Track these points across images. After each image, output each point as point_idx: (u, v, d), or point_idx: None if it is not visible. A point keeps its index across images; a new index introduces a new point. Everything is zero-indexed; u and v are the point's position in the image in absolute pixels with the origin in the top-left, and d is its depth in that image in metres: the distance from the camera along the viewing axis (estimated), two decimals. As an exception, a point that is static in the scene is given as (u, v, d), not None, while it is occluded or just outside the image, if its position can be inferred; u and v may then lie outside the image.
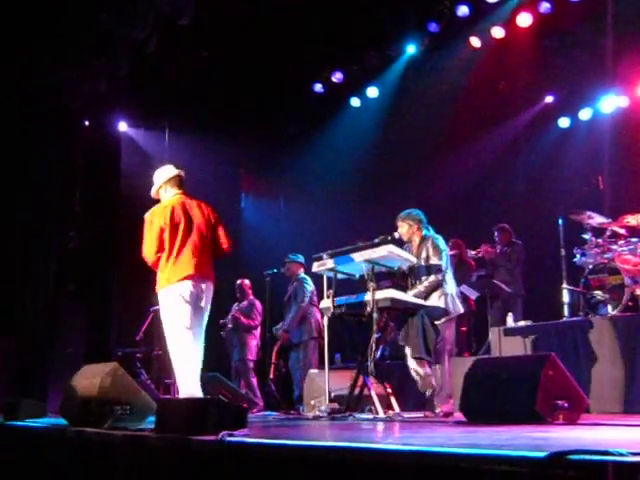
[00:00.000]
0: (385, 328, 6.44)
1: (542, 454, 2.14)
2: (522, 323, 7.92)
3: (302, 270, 9.03)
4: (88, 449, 4.49)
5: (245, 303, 9.99)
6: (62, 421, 5.50)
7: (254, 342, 9.86)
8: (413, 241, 6.72)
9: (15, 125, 10.01)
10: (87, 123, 11.38)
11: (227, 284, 10.14)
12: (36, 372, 9.66)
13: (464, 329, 9.32)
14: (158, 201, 6.21)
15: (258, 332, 9.91)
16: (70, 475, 4.50)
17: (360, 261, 6.21)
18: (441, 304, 6.42)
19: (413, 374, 6.47)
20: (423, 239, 6.64)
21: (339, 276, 6.54)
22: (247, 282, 10.20)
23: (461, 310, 6.72)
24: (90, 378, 5.43)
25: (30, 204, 10.28)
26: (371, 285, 6.07)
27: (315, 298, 8.89)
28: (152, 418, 4.79)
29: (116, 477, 4.06)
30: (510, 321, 8.19)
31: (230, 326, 9.91)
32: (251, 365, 9.76)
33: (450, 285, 6.61)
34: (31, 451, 5.14)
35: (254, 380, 9.67)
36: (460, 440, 3.48)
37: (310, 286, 8.88)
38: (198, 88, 11.12)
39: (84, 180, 11.10)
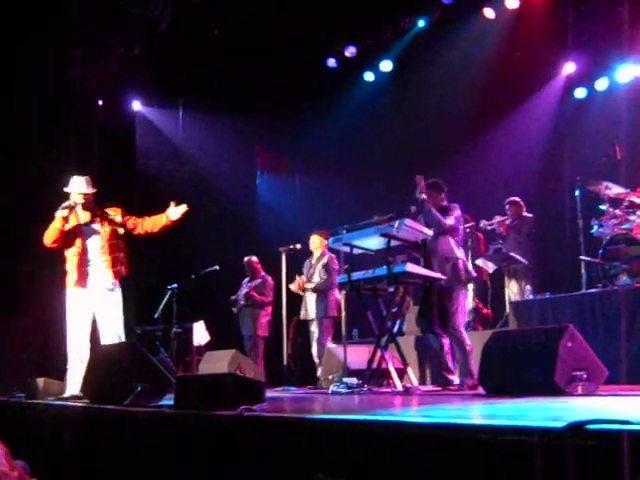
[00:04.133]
0: (402, 302, 6.44)
1: (561, 424, 2.13)
2: (540, 295, 7.88)
3: (322, 246, 9.00)
4: (109, 426, 4.52)
5: (259, 280, 9.97)
6: (83, 399, 5.54)
7: (266, 318, 9.85)
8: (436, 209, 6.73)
9: (30, 106, 10.01)
10: (101, 103, 11.38)
11: (241, 261, 10.17)
12: (55, 351, 9.73)
13: (480, 304, 9.30)
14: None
15: (270, 309, 9.92)
16: (91, 452, 4.54)
17: (376, 235, 6.19)
18: (453, 271, 6.41)
19: (434, 347, 6.47)
20: (441, 208, 6.63)
21: (355, 251, 6.52)
22: (255, 259, 10.15)
23: (474, 274, 6.76)
24: (110, 356, 5.47)
25: (43, 185, 10.30)
26: (388, 259, 6.06)
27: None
28: (171, 395, 4.82)
29: (137, 453, 4.09)
30: (528, 293, 8.16)
31: (242, 303, 9.91)
32: (262, 342, 9.78)
33: (460, 251, 6.60)
34: (51, 429, 5.18)
35: (261, 358, 9.69)
36: (479, 412, 3.48)
37: (335, 264, 8.84)
38: (212, 65, 11.08)
39: (99, 160, 11.12)
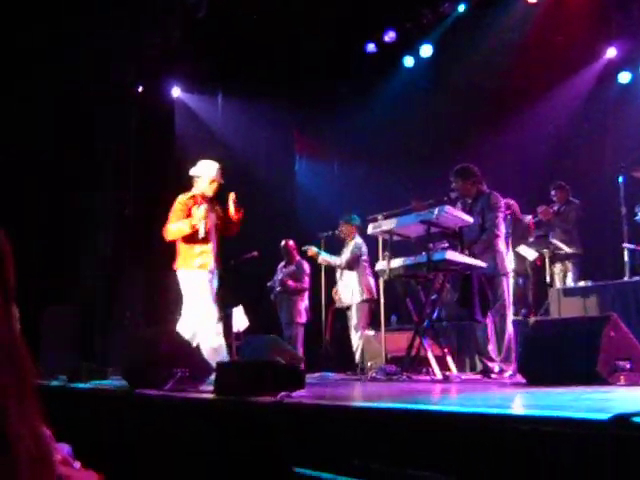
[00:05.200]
0: (441, 289, 6.40)
1: (605, 416, 2.10)
2: (582, 283, 7.80)
3: (357, 233, 8.94)
4: (149, 411, 4.58)
5: (293, 267, 9.94)
6: (124, 383, 5.61)
7: (303, 305, 9.81)
8: (468, 196, 6.68)
9: (72, 94, 10.12)
10: (141, 89, 11.46)
11: (278, 246, 10.17)
12: (97, 336, 9.88)
13: (520, 292, 9.22)
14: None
15: (307, 295, 9.89)
16: (131, 436, 4.60)
17: (416, 222, 6.16)
18: (492, 262, 6.37)
19: (477, 334, 6.45)
20: (479, 194, 6.60)
21: (394, 238, 6.50)
22: (292, 243, 10.09)
23: (510, 269, 6.76)
24: (150, 341, 5.52)
25: (86, 172, 10.43)
26: (427, 246, 6.03)
27: (367, 261, 8.82)
28: (211, 380, 4.86)
29: (176, 438, 4.13)
30: (569, 281, 8.07)
31: (278, 289, 9.91)
32: (301, 329, 9.76)
33: (502, 243, 6.56)
34: (94, 413, 5.26)
35: (301, 344, 9.69)
36: (519, 402, 3.45)
37: (358, 249, 8.80)
38: (251, 51, 11.07)
39: (138, 146, 11.21)
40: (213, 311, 6.42)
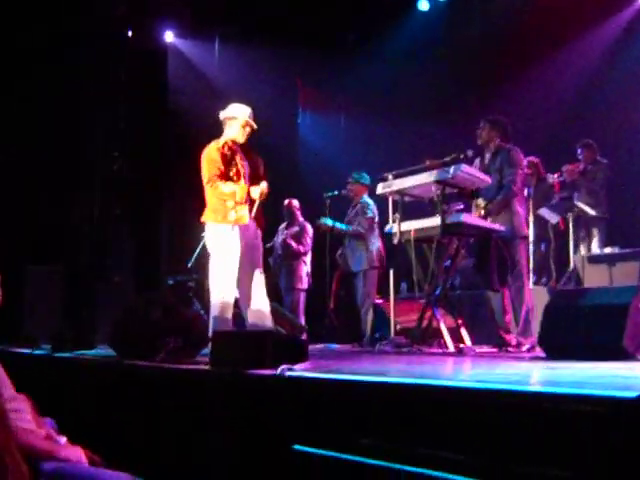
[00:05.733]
0: (456, 255, 6.40)
1: (632, 394, 2.11)
2: (608, 250, 7.79)
3: (366, 192, 8.91)
4: (139, 383, 4.61)
5: (295, 228, 9.88)
6: (112, 353, 5.64)
7: (304, 270, 9.73)
8: (488, 148, 6.68)
9: (57, 37, 10.04)
10: (130, 33, 11.37)
11: (280, 206, 10.14)
12: (83, 301, 9.90)
13: (541, 257, 9.23)
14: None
15: (309, 259, 9.84)
16: (120, 409, 4.64)
17: (429, 182, 6.14)
18: (509, 224, 6.37)
19: (492, 303, 6.48)
20: (499, 148, 6.58)
21: (405, 199, 6.48)
22: (295, 202, 10.01)
23: (526, 232, 6.78)
24: (141, 308, 5.54)
25: (74, 125, 10.38)
26: (441, 208, 6.02)
27: (376, 224, 8.80)
28: (206, 351, 4.89)
29: (169, 412, 4.17)
30: (595, 247, 8.06)
31: (279, 252, 9.87)
32: (302, 296, 9.75)
33: (520, 204, 6.56)
34: (79, 385, 5.30)
35: (302, 313, 9.69)
36: (540, 378, 3.47)
37: (372, 211, 8.78)
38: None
39: (128, 96, 11.15)
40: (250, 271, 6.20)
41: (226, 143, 6.25)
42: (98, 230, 10.53)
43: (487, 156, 6.71)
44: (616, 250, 7.69)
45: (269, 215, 10.07)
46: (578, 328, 4.63)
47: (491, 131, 6.67)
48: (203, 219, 6.22)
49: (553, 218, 8.90)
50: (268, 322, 6.01)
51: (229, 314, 5.93)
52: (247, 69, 12.38)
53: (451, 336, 6.10)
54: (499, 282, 6.31)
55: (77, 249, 10.43)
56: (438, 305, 6.28)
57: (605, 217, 9.01)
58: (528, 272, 6.58)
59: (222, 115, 6.43)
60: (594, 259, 7.72)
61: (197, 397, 4.01)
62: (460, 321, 6.45)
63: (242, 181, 6.12)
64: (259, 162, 6.48)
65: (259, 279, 6.20)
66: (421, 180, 6.24)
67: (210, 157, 6.18)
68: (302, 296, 9.71)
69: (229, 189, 6.05)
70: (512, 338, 6.31)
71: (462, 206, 6.62)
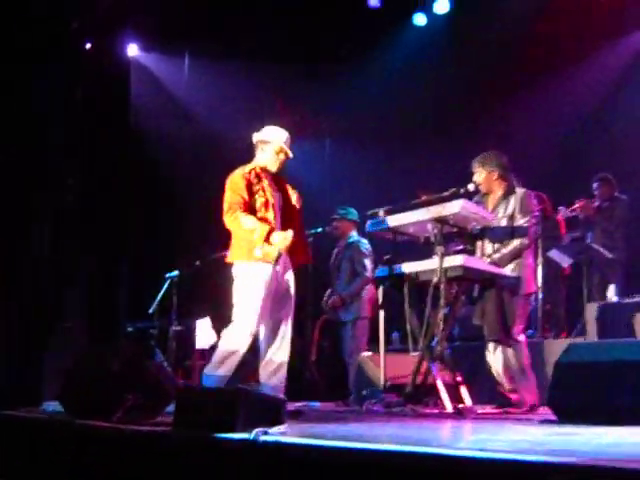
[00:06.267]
0: (455, 302, 6.41)
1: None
2: (628, 298, 7.81)
3: (355, 230, 8.91)
4: (93, 446, 4.55)
5: None
6: (61, 410, 5.58)
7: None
8: (493, 192, 6.68)
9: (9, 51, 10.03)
10: (89, 46, 11.39)
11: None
12: (30, 350, 9.80)
13: (548, 306, 9.24)
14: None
15: None
16: (71, 476, 4.58)
17: (426, 219, 6.16)
18: (517, 279, 6.40)
19: (489, 360, 6.49)
20: (508, 191, 6.58)
21: (398, 238, 6.50)
22: None
23: (534, 288, 6.86)
24: (95, 359, 5.50)
25: (23, 149, 10.33)
26: (439, 249, 6.03)
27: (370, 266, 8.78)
28: (171, 410, 4.85)
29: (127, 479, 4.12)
30: (612, 295, 8.08)
31: None
32: None
33: (531, 254, 6.62)
34: (23, 446, 5.23)
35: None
36: (551, 445, 3.45)
37: (369, 250, 8.77)
38: (226, 3, 11.04)
39: (85, 116, 11.14)
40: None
41: (254, 169, 6.25)
42: (48, 268, 10.45)
43: (491, 199, 6.70)
44: (637, 299, 7.70)
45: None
46: (594, 387, 4.63)
47: (489, 175, 6.65)
48: (228, 259, 6.20)
49: (564, 261, 8.94)
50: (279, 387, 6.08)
51: (230, 370, 5.94)
52: (221, 88, 12.44)
53: (449, 394, 6.08)
54: (504, 333, 6.31)
55: (24, 288, 10.34)
56: (434, 359, 6.26)
57: (622, 261, 9.05)
58: (526, 327, 6.64)
59: (255, 138, 6.40)
60: (611, 308, 7.74)
61: (158, 464, 3.97)
62: (459, 377, 6.43)
63: (270, 213, 6.08)
64: (295, 196, 6.46)
65: (283, 334, 6.22)
66: (416, 217, 6.26)
67: (233, 184, 6.15)
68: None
69: (249, 224, 5.96)
70: (518, 397, 6.32)
71: (461, 247, 6.63)
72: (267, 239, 5.90)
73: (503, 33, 11.11)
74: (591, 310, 8.01)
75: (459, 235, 6.55)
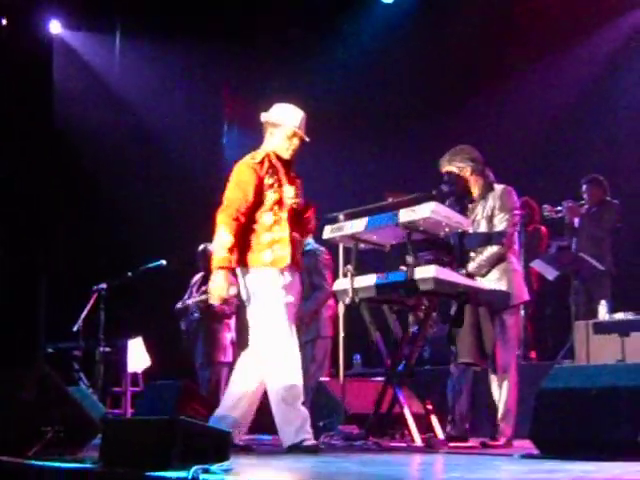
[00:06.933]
0: (426, 320, 6.41)
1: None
2: (619, 316, 7.87)
3: (310, 237, 8.89)
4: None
5: None
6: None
7: (229, 337, 9.65)
8: (468, 192, 6.68)
9: None
10: (4, 22, 11.30)
11: (191, 252, 10.04)
12: None
13: (530, 326, 9.29)
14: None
15: (233, 322, 9.75)
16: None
17: (392, 225, 6.16)
18: (504, 286, 6.39)
19: (453, 383, 6.50)
20: (486, 189, 6.58)
21: (361, 246, 6.49)
22: (212, 248, 9.92)
23: (527, 296, 6.71)
24: (9, 385, 5.44)
25: None
26: (408, 259, 6.03)
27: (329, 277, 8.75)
28: (97, 443, 4.80)
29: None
30: (602, 312, 8.13)
31: (196, 315, 9.73)
32: (225, 371, 9.64)
33: (517, 258, 6.61)
34: None
35: (221, 393, 9.57)
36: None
37: (328, 262, 8.73)
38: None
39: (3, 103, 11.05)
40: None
41: (267, 158, 5.91)
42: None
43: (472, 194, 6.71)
44: (630, 316, 7.76)
45: (183, 263, 10.09)
46: (582, 417, 4.65)
47: (462, 171, 6.65)
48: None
49: (550, 273, 8.97)
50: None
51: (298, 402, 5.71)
52: (158, 73, 12.38)
53: (418, 425, 6.09)
54: (480, 356, 6.31)
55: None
56: (402, 385, 6.27)
57: (611, 273, 9.09)
58: (519, 346, 6.62)
59: (263, 118, 6.08)
60: (601, 327, 7.79)
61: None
62: (430, 406, 6.44)
63: (285, 213, 5.81)
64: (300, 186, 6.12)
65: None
66: (381, 222, 6.24)
67: (240, 176, 5.85)
68: (225, 372, 9.61)
69: (222, 240, 5.67)
70: (496, 429, 6.33)
71: (432, 256, 6.63)
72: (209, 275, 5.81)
73: (479, 10, 11.17)
74: (579, 330, 8.05)
75: (431, 243, 6.56)
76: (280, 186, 5.84)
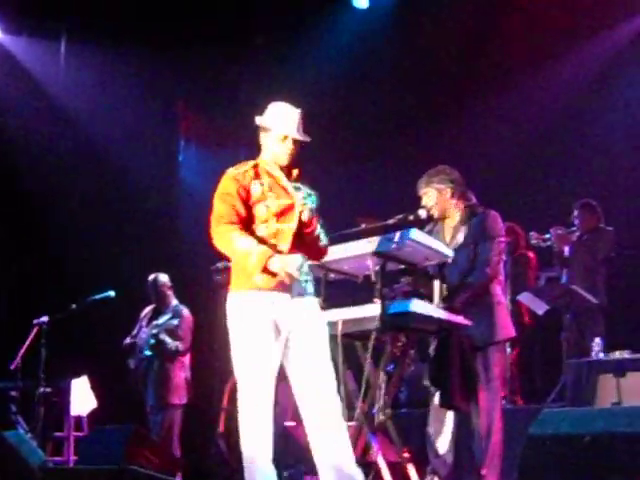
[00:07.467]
0: (402, 359, 6.42)
1: None
2: (616, 354, 7.90)
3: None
4: None
5: (167, 315, 9.69)
6: None
7: (182, 376, 9.62)
8: (449, 216, 6.70)
9: None
10: None
11: (143, 281, 10.01)
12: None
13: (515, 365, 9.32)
14: None
15: (187, 360, 9.71)
16: None
17: (365, 253, 6.16)
18: (487, 320, 6.41)
19: (432, 431, 6.51)
20: (469, 213, 6.60)
21: (330, 275, 6.50)
22: (164, 279, 9.84)
23: (513, 332, 6.72)
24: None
25: None
26: (382, 291, 6.04)
27: None
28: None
29: None
30: (596, 350, 8.17)
31: (146, 352, 9.66)
32: (177, 415, 9.61)
33: (502, 290, 6.63)
34: None
35: (178, 439, 9.55)
36: None
37: None
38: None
39: None
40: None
41: (253, 167, 5.80)
42: None
43: (450, 224, 6.73)
44: (626, 355, 7.79)
45: (132, 295, 10.06)
46: (574, 466, 4.66)
47: (441, 195, 6.66)
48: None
49: (539, 307, 8.99)
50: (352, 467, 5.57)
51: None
52: (107, 82, 12.38)
53: (393, 474, 6.08)
54: (463, 398, 6.32)
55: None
56: (375, 430, 6.26)
57: (604, 307, 9.10)
58: (504, 387, 6.62)
59: (256, 121, 6.00)
60: (596, 367, 7.81)
61: None
62: (406, 453, 6.44)
63: (283, 224, 5.62)
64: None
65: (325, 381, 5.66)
66: (353, 251, 6.24)
67: (221, 189, 5.67)
68: (178, 415, 9.60)
69: (242, 245, 5.43)
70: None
71: (409, 288, 6.64)
72: (266, 268, 5.36)
73: (461, 18, 11.27)
74: (572, 369, 8.08)
75: (408, 273, 6.57)
76: (277, 197, 5.69)
